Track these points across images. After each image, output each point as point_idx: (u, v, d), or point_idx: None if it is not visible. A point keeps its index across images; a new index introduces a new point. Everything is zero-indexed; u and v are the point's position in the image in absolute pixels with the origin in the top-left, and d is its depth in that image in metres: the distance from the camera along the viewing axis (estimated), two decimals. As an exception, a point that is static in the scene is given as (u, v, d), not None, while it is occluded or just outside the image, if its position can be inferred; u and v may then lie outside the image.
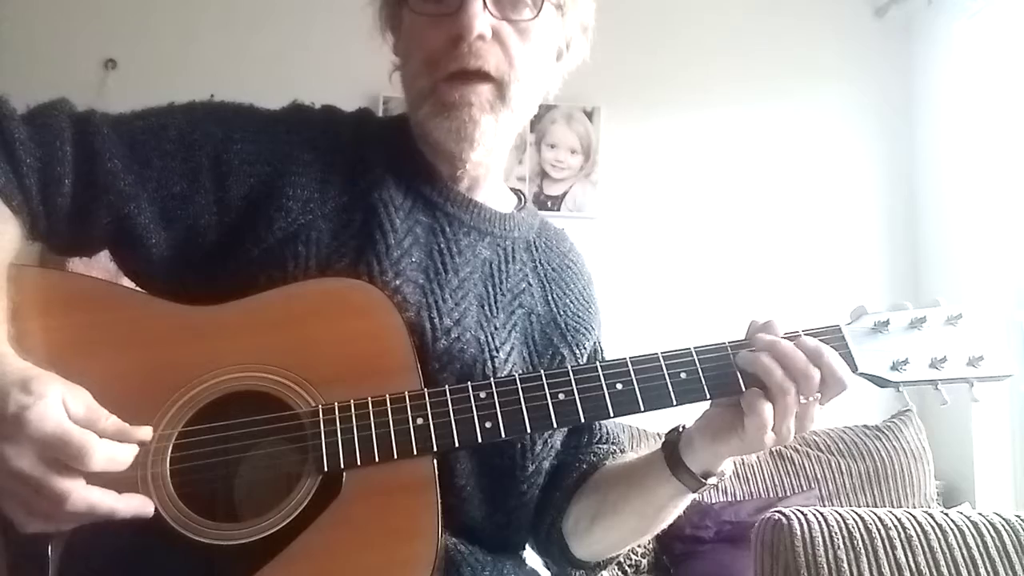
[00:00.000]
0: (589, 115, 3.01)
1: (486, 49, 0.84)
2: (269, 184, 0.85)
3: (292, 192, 0.85)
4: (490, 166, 0.95)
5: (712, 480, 0.86)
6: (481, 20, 0.83)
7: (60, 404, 0.65)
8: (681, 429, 0.88)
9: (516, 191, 1.06)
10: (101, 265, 1.00)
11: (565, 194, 3.01)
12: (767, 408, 0.77)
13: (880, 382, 0.81)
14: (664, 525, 0.94)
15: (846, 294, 2.94)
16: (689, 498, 0.89)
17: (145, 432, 0.71)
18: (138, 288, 0.86)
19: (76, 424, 0.65)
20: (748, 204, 3.04)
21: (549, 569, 1.02)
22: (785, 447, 2.38)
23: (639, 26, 2.86)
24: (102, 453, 0.65)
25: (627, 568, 2.30)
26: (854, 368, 0.80)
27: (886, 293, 2.99)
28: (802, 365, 0.77)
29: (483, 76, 0.85)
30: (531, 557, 1.00)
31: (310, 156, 0.88)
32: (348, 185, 0.88)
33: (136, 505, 0.68)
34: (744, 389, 0.79)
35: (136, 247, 0.83)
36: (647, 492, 0.89)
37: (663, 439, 0.89)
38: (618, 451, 1.00)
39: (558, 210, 2.97)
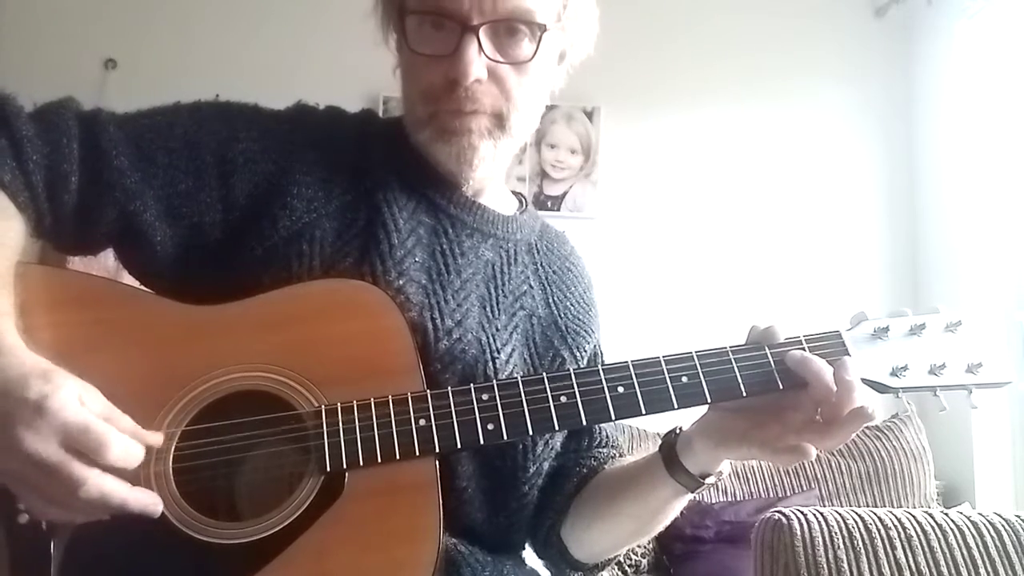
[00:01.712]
0: (589, 115, 3.01)
1: (483, 91, 0.84)
2: (273, 183, 0.85)
3: (296, 191, 0.85)
4: (493, 175, 0.95)
5: (710, 480, 0.86)
6: (477, 66, 0.82)
7: (77, 397, 0.66)
8: (678, 431, 0.88)
9: (517, 194, 1.06)
10: (100, 264, 1.00)
11: (565, 194, 3.01)
12: (810, 402, 0.77)
13: (880, 388, 0.81)
14: (663, 526, 0.94)
15: (846, 293, 2.95)
16: (687, 498, 0.90)
17: (156, 437, 0.72)
18: (142, 287, 0.86)
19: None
20: (748, 204, 3.05)
21: (549, 569, 1.02)
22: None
23: (639, 26, 2.86)
24: (119, 447, 0.66)
25: (627, 568, 2.30)
26: None
27: (886, 293, 2.99)
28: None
29: (481, 112, 0.85)
30: (531, 557, 1.00)
31: (314, 155, 0.88)
32: (352, 185, 0.88)
33: (147, 501, 0.69)
34: (782, 387, 0.79)
35: (141, 245, 0.83)
36: (645, 494, 0.90)
37: (660, 441, 0.90)
38: (618, 455, 1.01)
39: (558, 210, 2.97)
